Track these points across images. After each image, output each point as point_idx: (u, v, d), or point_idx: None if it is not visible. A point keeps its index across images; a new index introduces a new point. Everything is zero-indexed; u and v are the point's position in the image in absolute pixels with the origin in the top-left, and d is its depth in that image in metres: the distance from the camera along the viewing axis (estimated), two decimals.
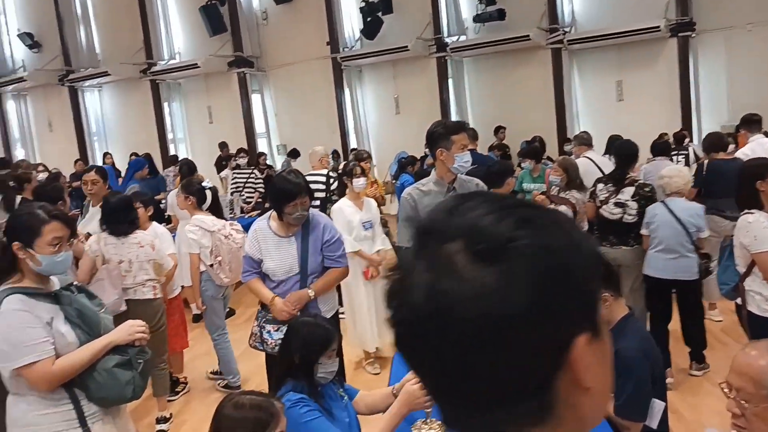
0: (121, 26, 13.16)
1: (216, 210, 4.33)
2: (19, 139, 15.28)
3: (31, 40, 14.00)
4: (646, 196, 4.01)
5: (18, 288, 1.98)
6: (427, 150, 10.27)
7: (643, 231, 3.95)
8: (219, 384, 4.39)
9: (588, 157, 5.26)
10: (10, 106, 15.16)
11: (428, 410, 2.11)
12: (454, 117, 11.00)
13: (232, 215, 8.10)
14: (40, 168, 7.68)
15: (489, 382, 0.51)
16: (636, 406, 2.20)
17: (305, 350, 2.14)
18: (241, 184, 8.84)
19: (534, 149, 6.45)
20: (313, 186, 5.55)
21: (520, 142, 9.59)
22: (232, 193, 8.77)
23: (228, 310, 5.81)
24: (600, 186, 4.19)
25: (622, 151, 4.33)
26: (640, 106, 9.64)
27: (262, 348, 3.09)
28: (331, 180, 5.68)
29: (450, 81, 11.14)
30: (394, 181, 9.48)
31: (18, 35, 14.13)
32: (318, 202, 5.58)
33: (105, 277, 3.47)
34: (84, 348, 2.03)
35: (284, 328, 2.80)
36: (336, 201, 5.56)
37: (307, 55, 11.89)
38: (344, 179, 4.85)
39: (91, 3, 13.77)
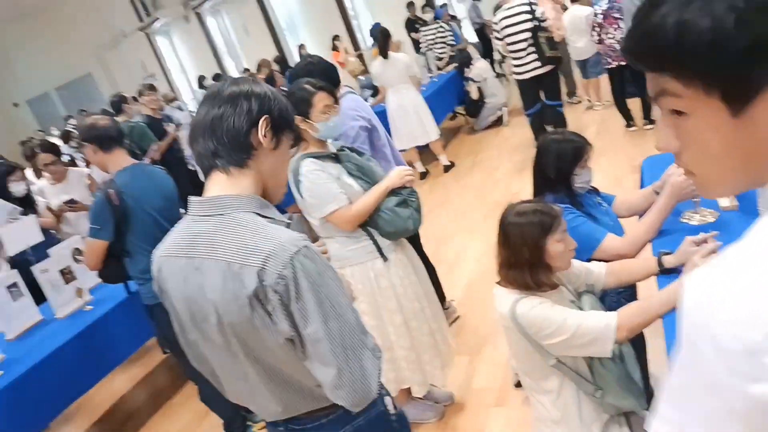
0: None
1: None
2: (226, 50, 16.88)
3: None
4: None
5: (308, 153, 2.37)
6: None
7: None
8: None
9: None
10: (211, 22, 16.64)
11: (696, 199, 2.12)
12: None
13: (431, 75, 8.23)
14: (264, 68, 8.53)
15: None
16: None
17: (559, 164, 2.25)
18: (431, 41, 8.81)
19: None
20: (515, 19, 5.35)
21: None
22: (424, 52, 8.80)
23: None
24: None
25: None
26: None
27: None
28: (534, 6, 5.32)
29: None
30: None
31: None
32: (530, 35, 5.30)
33: None
34: (369, 193, 2.40)
35: None
36: (546, 29, 5.31)
37: None
38: None
39: None
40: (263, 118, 1.22)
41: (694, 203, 2.13)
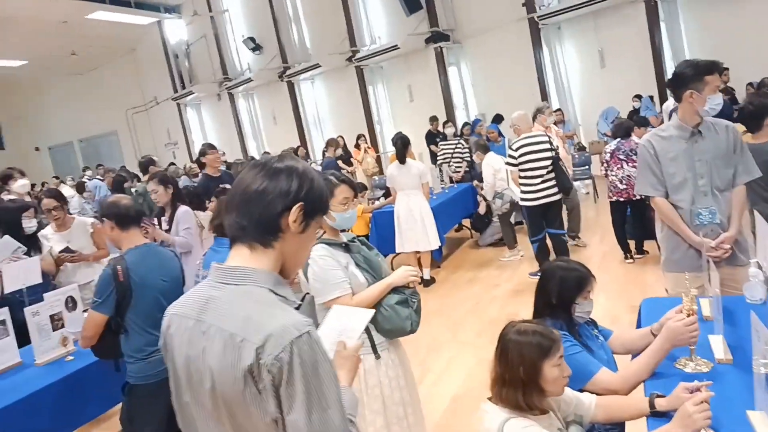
0: (327, 20, 14.33)
1: None
2: (250, 132, 17.53)
3: (253, 44, 15.88)
4: None
5: (321, 240, 2.44)
6: (636, 102, 9.70)
7: None
8: None
9: None
10: (242, 104, 17.42)
11: (692, 347, 2.14)
12: (669, 64, 10.12)
13: (443, 185, 8.49)
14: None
15: None
16: None
17: (562, 291, 2.29)
18: (449, 155, 9.17)
19: None
20: (536, 147, 5.62)
21: (746, 84, 8.56)
22: (440, 164, 9.13)
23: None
24: None
25: None
26: None
27: None
28: (551, 138, 5.74)
29: (663, 24, 10.24)
30: (605, 141, 9.07)
31: (243, 41, 16.12)
32: (549, 162, 5.61)
33: None
34: (372, 287, 2.43)
35: None
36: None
37: (503, 19, 11.81)
38: None
39: (301, 3, 15.21)
40: (297, 205, 1.25)
41: (690, 351, 2.15)
